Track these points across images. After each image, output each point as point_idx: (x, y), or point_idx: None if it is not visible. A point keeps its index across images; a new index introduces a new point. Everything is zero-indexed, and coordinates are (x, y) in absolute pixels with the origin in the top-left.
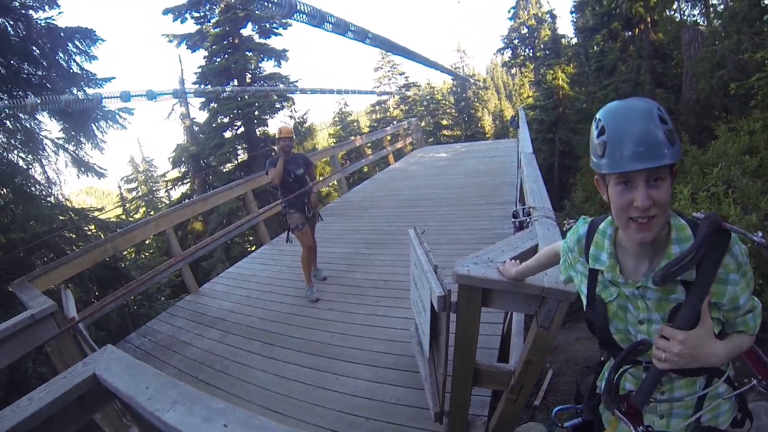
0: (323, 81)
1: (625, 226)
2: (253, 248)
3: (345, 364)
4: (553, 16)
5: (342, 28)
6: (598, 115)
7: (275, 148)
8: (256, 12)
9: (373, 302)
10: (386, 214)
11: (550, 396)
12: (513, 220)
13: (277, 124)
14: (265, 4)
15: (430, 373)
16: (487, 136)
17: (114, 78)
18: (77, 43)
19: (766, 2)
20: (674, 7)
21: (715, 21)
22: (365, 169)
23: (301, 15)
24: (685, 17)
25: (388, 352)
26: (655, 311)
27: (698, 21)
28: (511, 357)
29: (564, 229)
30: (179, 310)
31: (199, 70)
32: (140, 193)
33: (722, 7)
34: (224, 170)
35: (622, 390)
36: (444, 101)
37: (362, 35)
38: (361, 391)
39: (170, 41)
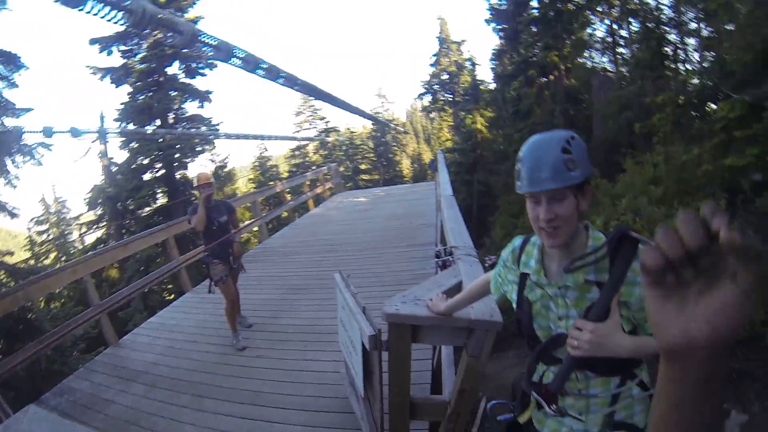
0: (244, 123)
1: (539, 234)
2: (171, 297)
3: (278, 411)
4: (474, 64)
5: (274, 74)
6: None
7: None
8: (184, 51)
9: (302, 347)
10: (308, 259)
11: (486, 422)
12: (436, 259)
13: (198, 167)
14: (205, 48)
15: (366, 412)
16: (406, 179)
17: (32, 109)
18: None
19: (666, 50)
20: (585, 55)
21: (621, 68)
22: (285, 215)
23: (236, 60)
24: (595, 64)
25: (321, 396)
26: (573, 308)
27: (607, 68)
28: (444, 388)
29: (486, 265)
30: (98, 364)
31: (122, 106)
32: (51, 237)
33: (629, 55)
34: (143, 214)
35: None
36: (363, 146)
37: (292, 81)
38: None
39: (94, 73)
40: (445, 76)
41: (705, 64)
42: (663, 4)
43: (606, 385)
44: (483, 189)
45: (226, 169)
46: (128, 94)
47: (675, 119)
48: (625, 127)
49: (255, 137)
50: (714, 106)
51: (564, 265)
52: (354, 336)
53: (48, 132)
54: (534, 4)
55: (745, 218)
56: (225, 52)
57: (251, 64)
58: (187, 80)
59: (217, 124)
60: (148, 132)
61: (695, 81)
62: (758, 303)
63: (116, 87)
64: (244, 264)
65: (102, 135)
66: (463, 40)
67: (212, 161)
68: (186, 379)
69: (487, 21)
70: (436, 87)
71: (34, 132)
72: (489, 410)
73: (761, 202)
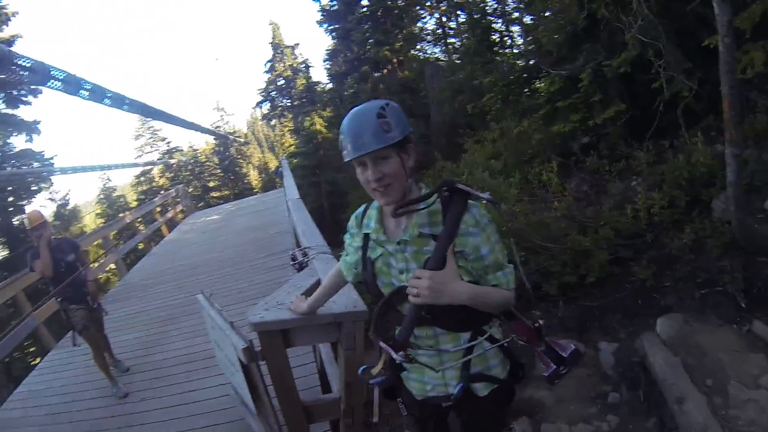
0: (82, 154)
1: (373, 195)
2: (38, 360)
3: None
4: (308, 66)
5: (99, 95)
6: None
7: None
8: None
9: (184, 378)
10: (170, 287)
11: (385, 409)
12: (292, 263)
13: (36, 208)
14: (18, 70)
15: (264, 428)
16: (255, 190)
17: None
18: None
19: (494, 38)
20: (418, 47)
21: (453, 56)
22: (141, 246)
23: (55, 82)
24: (428, 55)
25: (217, 423)
26: (412, 261)
27: (440, 57)
28: (332, 386)
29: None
30: None
31: None
32: None
33: (459, 44)
34: None
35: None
36: (209, 163)
37: (119, 102)
38: None
39: None
40: (281, 82)
41: (529, 47)
42: None
43: (456, 341)
44: (332, 189)
45: (68, 207)
46: None
47: (503, 97)
48: (461, 110)
49: (93, 168)
50: (539, 84)
51: (392, 211)
52: (229, 353)
53: None
54: (364, 2)
55: (579, 176)
56: (42, 74)
57: (72, 85)
58: (10, 110)
59: (51, 158)
60: None
61: (520, 62)
62: None
63: None
64: (104, 305)
65: None
66: (297, 44)
67: (52, 200)
68: None
69: (319, 23)
70: (273, 93)
71: None
72: (360, 376)
73: (590, 161)
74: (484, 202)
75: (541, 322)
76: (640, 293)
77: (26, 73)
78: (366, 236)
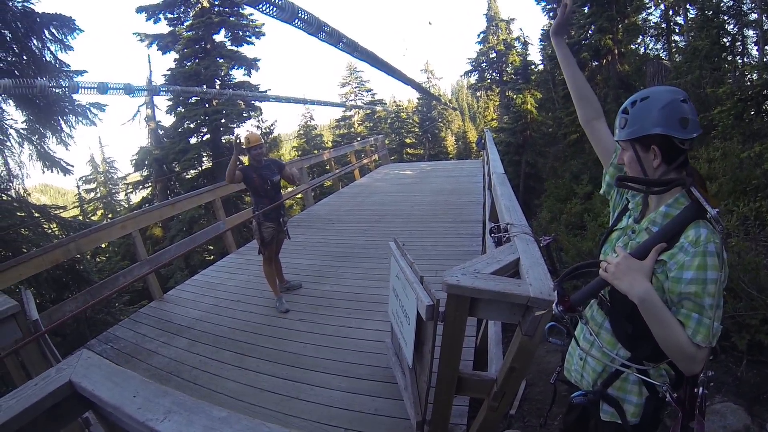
0: (289, 93)
1: None
2: (212, 257)
3: (319, 375)
4: (527, 43)
5: (335, 38)
6: None
7: (242, 159)
8: (231, 18)
9: (345, 314)
10: (353, 228)
11: (525, 405)
12: (492, 235)
13: (244, 133)
14: (268, 6)
15: (411, 383)
16: (450, 156)
17: (86, 71)
18: (53, 30)
19: (725, 41)
20: (639, 41)
21: (676, 56)
22: (328, 183)
23: (299, 22)
24: (649, 51)
25: (363, 363)
26: (628, 247)
27: (661, 56)
28: (490, 366)
29: (541, 245)
30: (143, 316)
31: (168, 72)
32: (99, 195)
33: (684, 44)
34: (187, 177)
35: None
36: (409, 120)
37: (352, 48)
38: (337, 401)
39: (141, 40)
40: (492, 55)
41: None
42: None
43: (612, 346)
44: (530, 171)
45: (272, 136)
46: (174, 60)
47: (737, 113)
48: None
49: (305, 102)
50: None
51: (615, 181)
52: (408, 305)
53: (102, 88)
54: None
55: None
56: (289, 12)
57: (314, 26)
58: (234, 48)
59: (265, 91)
60: (200, 91)
61: (754, 76)
62: None
63: (163, 54)
64: (288, 229)
65: (155, 92)
66: (512, 19)
67: (258, 127)
68: (229, 337)
69: (537, 0)
70: (483, 65)
71: (89, 88)
72: (546, 330)
73: None
74: (708, 217)
75: (705, 391)
76: None
77: (275, 10)
78: (627, 203)
